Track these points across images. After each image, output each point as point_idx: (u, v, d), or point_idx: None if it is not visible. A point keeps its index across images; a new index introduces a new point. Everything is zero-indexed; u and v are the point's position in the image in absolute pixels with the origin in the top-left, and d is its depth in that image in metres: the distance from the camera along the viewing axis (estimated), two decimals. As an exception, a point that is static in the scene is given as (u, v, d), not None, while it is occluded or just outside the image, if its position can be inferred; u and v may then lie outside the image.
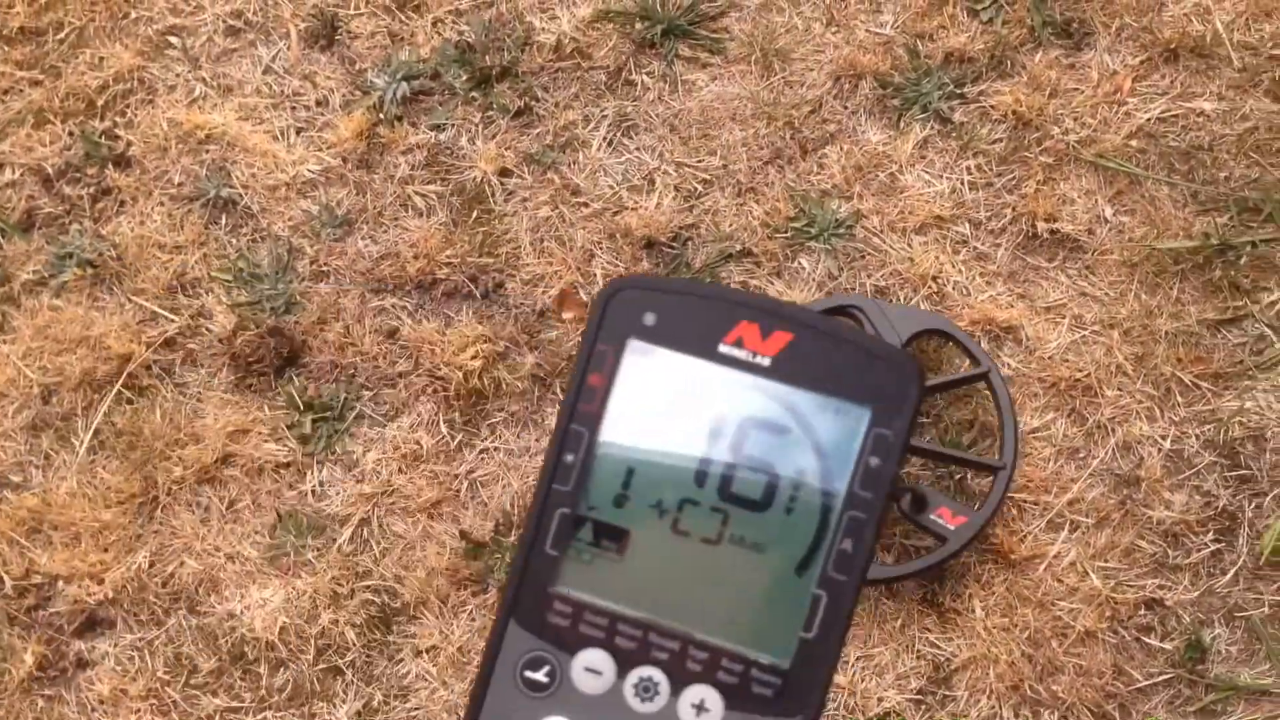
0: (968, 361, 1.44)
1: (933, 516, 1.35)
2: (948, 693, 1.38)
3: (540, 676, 0.41)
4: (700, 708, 0.41)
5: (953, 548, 1.35)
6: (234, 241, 1.64)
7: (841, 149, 1.59)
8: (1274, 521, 1.37)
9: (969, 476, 1.44)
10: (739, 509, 0.41)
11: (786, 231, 1.57)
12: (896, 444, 0.40)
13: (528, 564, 0.42)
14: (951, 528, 1.35)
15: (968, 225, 1.54)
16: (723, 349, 0.41)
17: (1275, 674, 1.35)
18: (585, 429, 0.42)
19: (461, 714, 0.43)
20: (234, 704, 1.44)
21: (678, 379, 0.41)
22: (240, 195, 1.65)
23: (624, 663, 0.41)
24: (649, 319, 0.41)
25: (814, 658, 0.40)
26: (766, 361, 0.41)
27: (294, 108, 1.70)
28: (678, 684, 0.41)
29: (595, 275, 1.54)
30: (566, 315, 1.56)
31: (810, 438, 0.40)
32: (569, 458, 0.42)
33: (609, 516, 0.41)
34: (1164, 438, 1.43)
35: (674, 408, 0.41)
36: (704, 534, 0.41)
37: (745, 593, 0.41)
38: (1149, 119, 1.55)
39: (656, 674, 0.41)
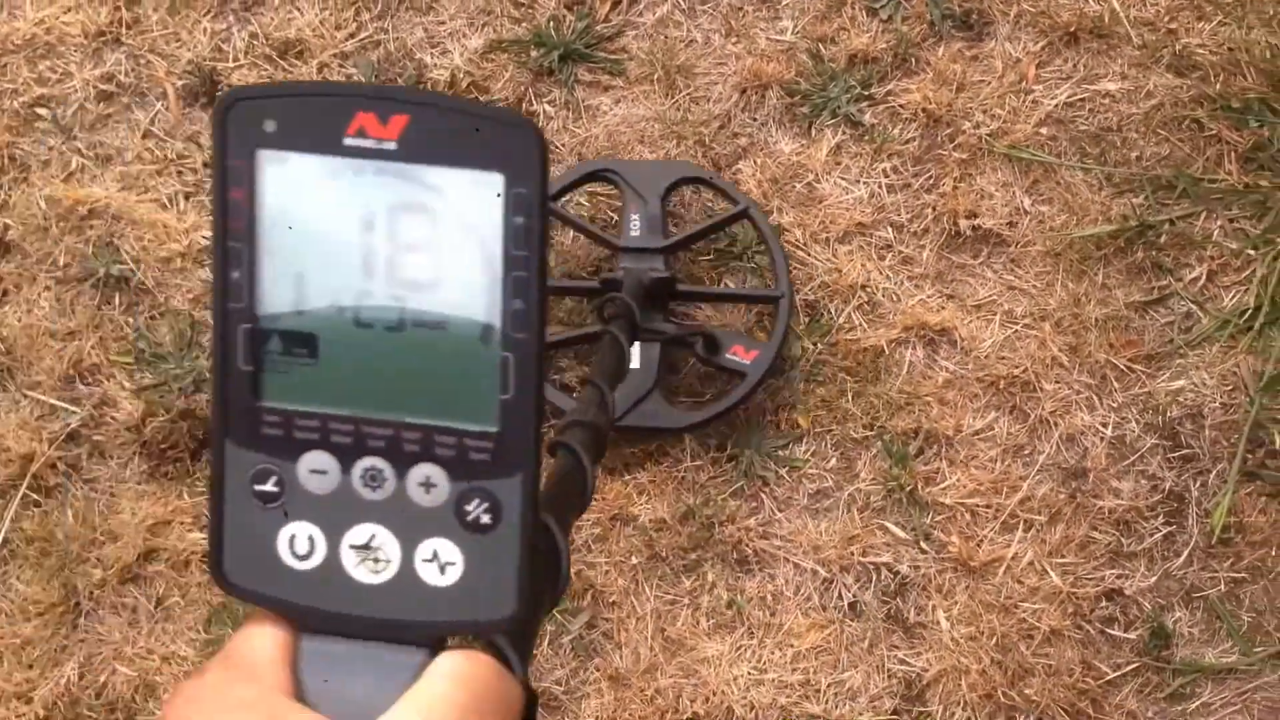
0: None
1: (728, 355, 1.43)
2: (922, 709, 1.36)
3: (270, 487, 0.42)
4: (428, 484, 0.42)
5: (753, 379, 1.42)
6: (131, 321, 1.54)
7: (755, 163, 1.56)
8: (1220, 498, 1.38)
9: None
10: (411, 291, 0.42)
11: (709, 253, 1.53)
12: (535, 199, 0.41)
13: (225, 385, 0.42)
14: (747, 362, 1.42)
15: (890, 229, 1.52)
16: (347, 141, 0.41)
17: (1238, 651, 1.36)
18: (242, 244, 0.42)
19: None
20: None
21: (315, 179, 0.42)
22: (132, 271, 1.56)
23: (345, 458, 0.42)
24: (270, 126, 0.42)
25: (518, 416, 0.42)
26: (392, 145, 0.41)
27: (180, 171, 1.61)
28: (401, 467, 0.42)
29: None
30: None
31: (454, 210, 0.41)
32: (235, 275, 0.42)
33: (292, 324, 0.42)
34: (1105, 426, 1.43)
35: (320, 207, 0.42)
36: (386, 322, 0.42)
37: (439, 371, 0.42)
38: (1056, 105, 1.55)
39: (379, 462, 0.42)
